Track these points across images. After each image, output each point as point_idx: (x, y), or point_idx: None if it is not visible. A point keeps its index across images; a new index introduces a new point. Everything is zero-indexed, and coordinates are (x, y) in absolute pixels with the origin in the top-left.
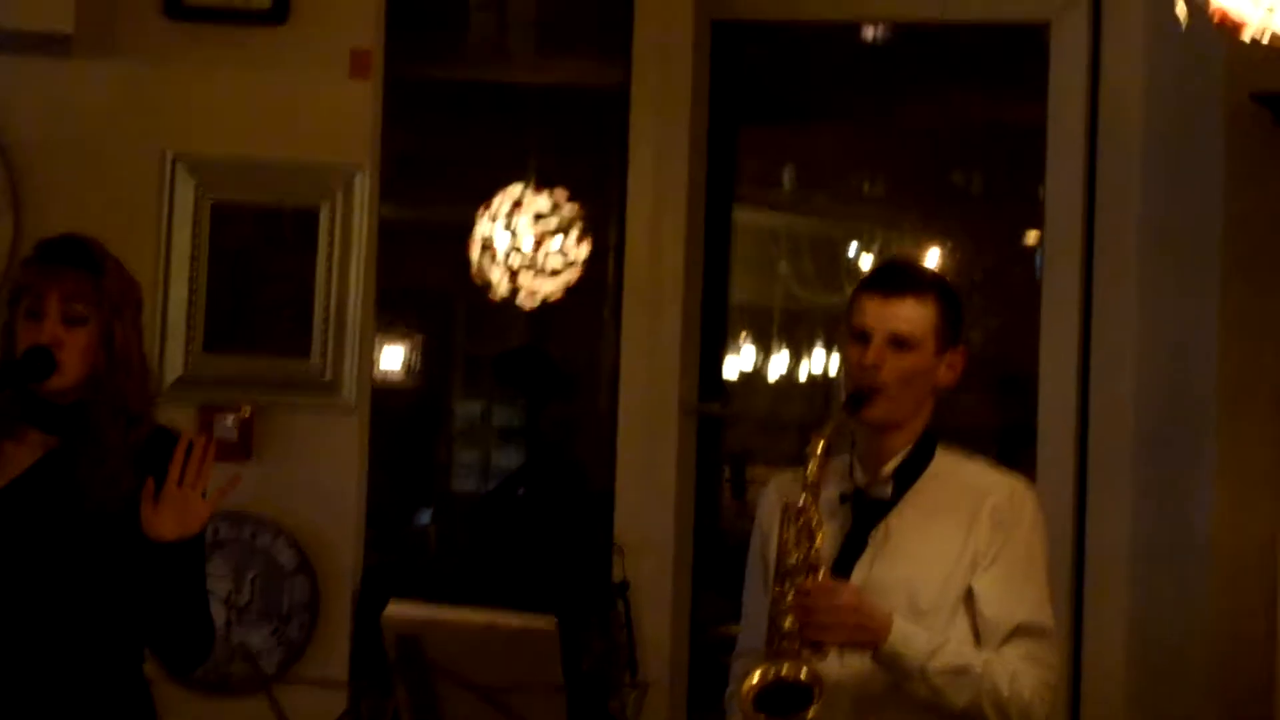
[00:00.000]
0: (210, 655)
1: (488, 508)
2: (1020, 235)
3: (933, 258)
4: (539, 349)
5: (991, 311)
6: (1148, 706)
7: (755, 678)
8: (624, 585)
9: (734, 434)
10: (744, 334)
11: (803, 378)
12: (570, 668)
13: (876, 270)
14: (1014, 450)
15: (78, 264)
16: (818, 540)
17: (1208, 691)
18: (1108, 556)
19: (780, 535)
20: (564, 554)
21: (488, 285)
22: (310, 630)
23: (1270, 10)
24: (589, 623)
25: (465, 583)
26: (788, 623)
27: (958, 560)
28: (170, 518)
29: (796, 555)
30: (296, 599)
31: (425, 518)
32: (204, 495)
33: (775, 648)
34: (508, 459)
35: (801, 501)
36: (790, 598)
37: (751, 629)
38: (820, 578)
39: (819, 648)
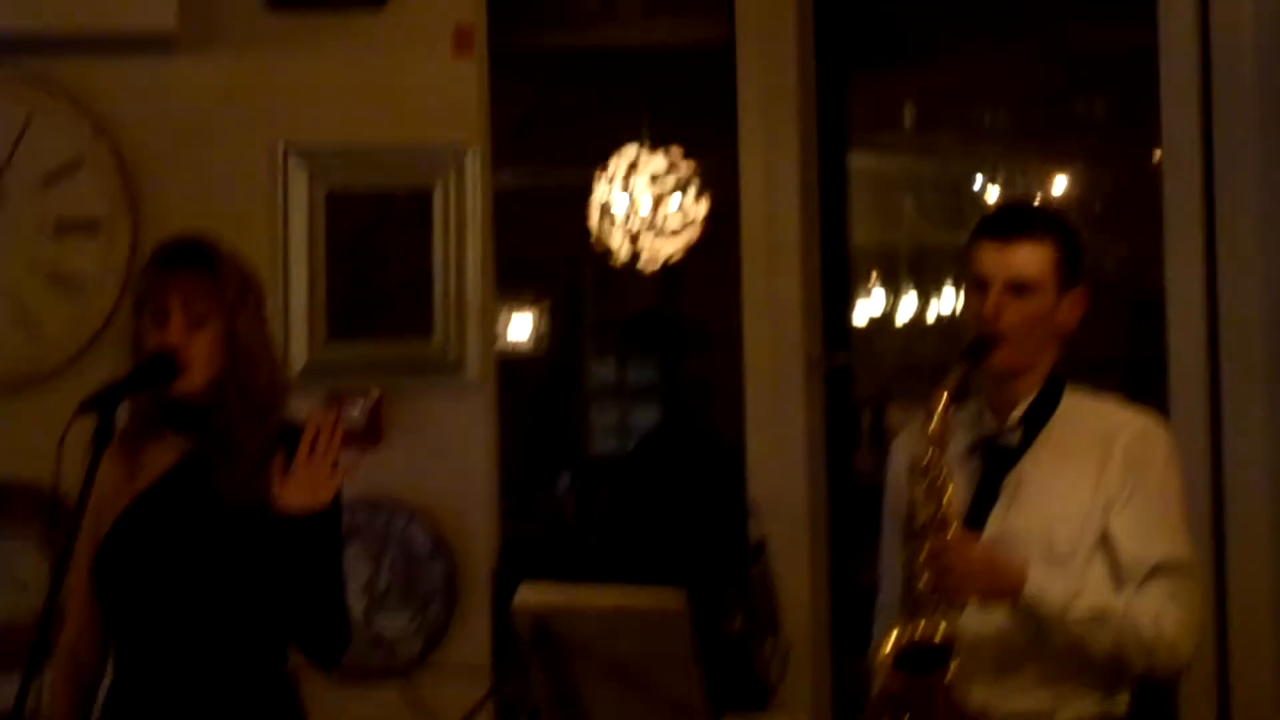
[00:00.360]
0: (350, 644)
1: (625, 471)
2: (1145, 158)
3: (1058, 186)
4: (658, 312)
5: (1120, 238)
6: None
7: (892, 639)
8: (760, 546)
9: (868, 379)
10: (873, 277)
11: (932, 318)
12: (710, 634)
13: (991, 215)
14: (1147, 381)
15: (194, 264)
16: (946, 496)
17: None
18: (1247, 489)
19: (909, 493)
20: (701, 516)
21: (609, 250)
22: (449, 614)
23: None
24: (728, 587)
25: (604, 551)
26: (923, 581)
27: (1092, 503)
28: (301, 489)
29: (926, 512)
30: (434, 583)
31: (564, 483)
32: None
33: (911, 606)
34: (642, 420)
35: (928, 458)
36: (923, 556)
37: (890, 584)
38: (951, 533)
39: (956, 604)
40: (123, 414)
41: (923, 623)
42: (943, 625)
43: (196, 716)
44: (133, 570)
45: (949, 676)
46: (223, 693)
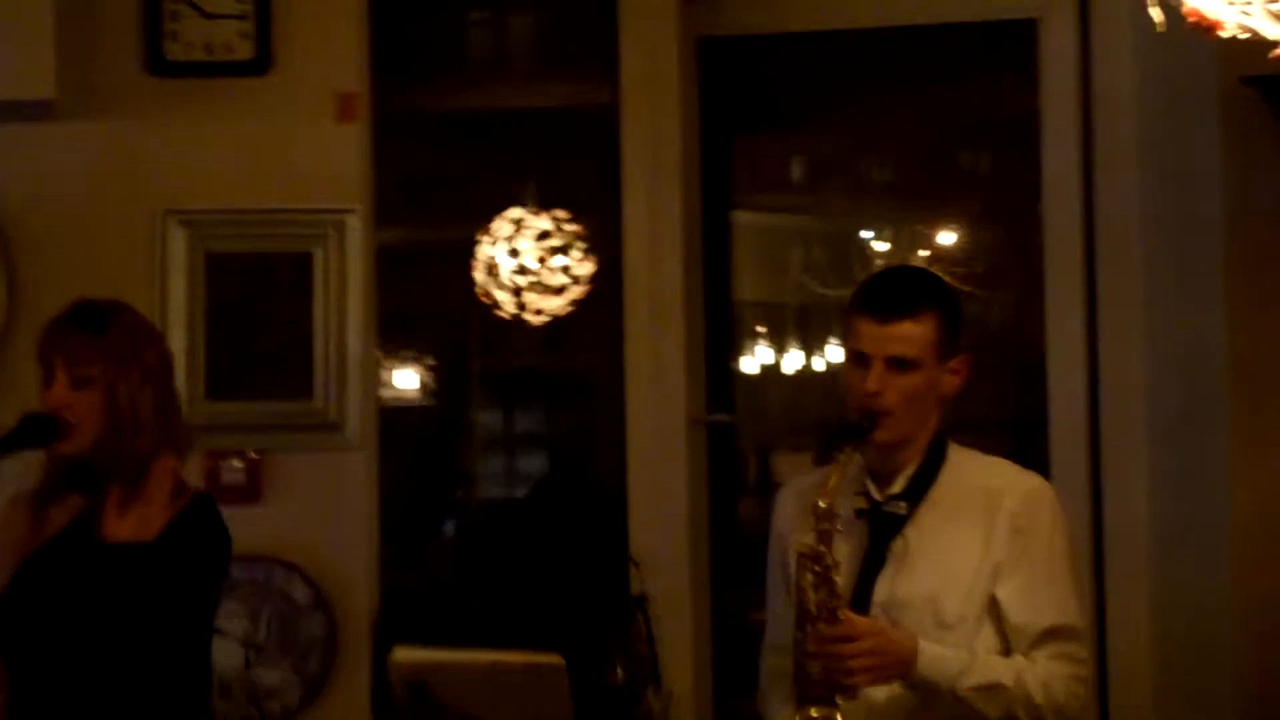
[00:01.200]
0: (204, 693)
1: (512, 517)
2: (1030, 215)
3: (944, 240)
4: (537, 369)
5: (1004, 295)
6: (1175, 690)
7: None
8: (642, 599)
9: (753, 430)
10: (758, 331)
11: (818, 369)
12: (592, 686)
13: (868, 287)
14: (1029, 440)
15: (82, 326)
16: (836, 584)
17: (1235, 672)
18: (1127, 542)
19: (798, 581)
20: (583, 568)
21: (495, 304)
22: (330, 665)
23: (1244, 11)
24: (609, 639)
25: (485, 604)
26: (814, 669)
27: (978, 570)
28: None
29: (815, 601)
30: (314, 634)
31: (446, 531)
32: None
33: (806, 693)
34: (528, 468)
35: (815, 549)
36: (812, 645)
37: (776, 625)
38: (840, 621)
39: (849, 691)
40: (33, 476)
41: (817, 710)
42: (837, 715)
43: None
44: (24, 621)
45: None
46: None
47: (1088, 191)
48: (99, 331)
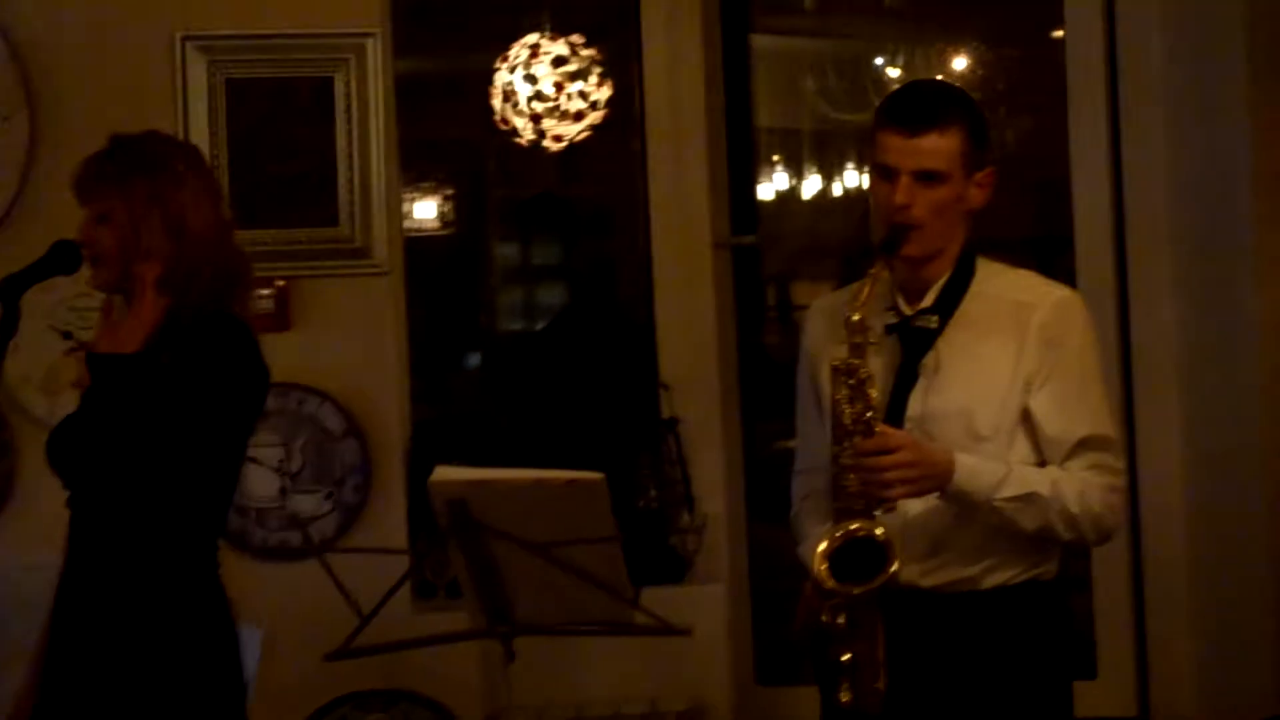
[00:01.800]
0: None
1: (534, 350)
2: (1047, 34)
3: (960, 63)
4: (556, 194)
5: (1023, 115)
6: (1206, 499)
7: (825, 543)
8: (673, 421)
9: (773, 257)
10: (776, 157)
11: (838, 194)
12: (625, 510)
13: (894, 100)
14: (1051, 259)
15: (96, 163)
16: (871, 397)
17: (1266, 478)
18: (1155, 356)
19: (832, 395)
20: (612, 394)
21: (513, 131)
22: (365, 493)
23: None
24: (641, 463)
25: (515, 432)
26: (851, 483)
27: (1011, 382)
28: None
29: (851, 415)
30: (348, 462)
31: (472, 362)
32: None
33: (844, 508)
34: (548, 300)
35: (849, 362)
36: (850, 458)
37: (807, 447)
38: (876, 436)
39: (886, 504)
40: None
41: (856, 524)
42: (877, 529)
43: (112, 593)
44: (65, 446)
45: (885, 578)
46: (139, 572)
47: (1109, 4)
48: (111, 167)
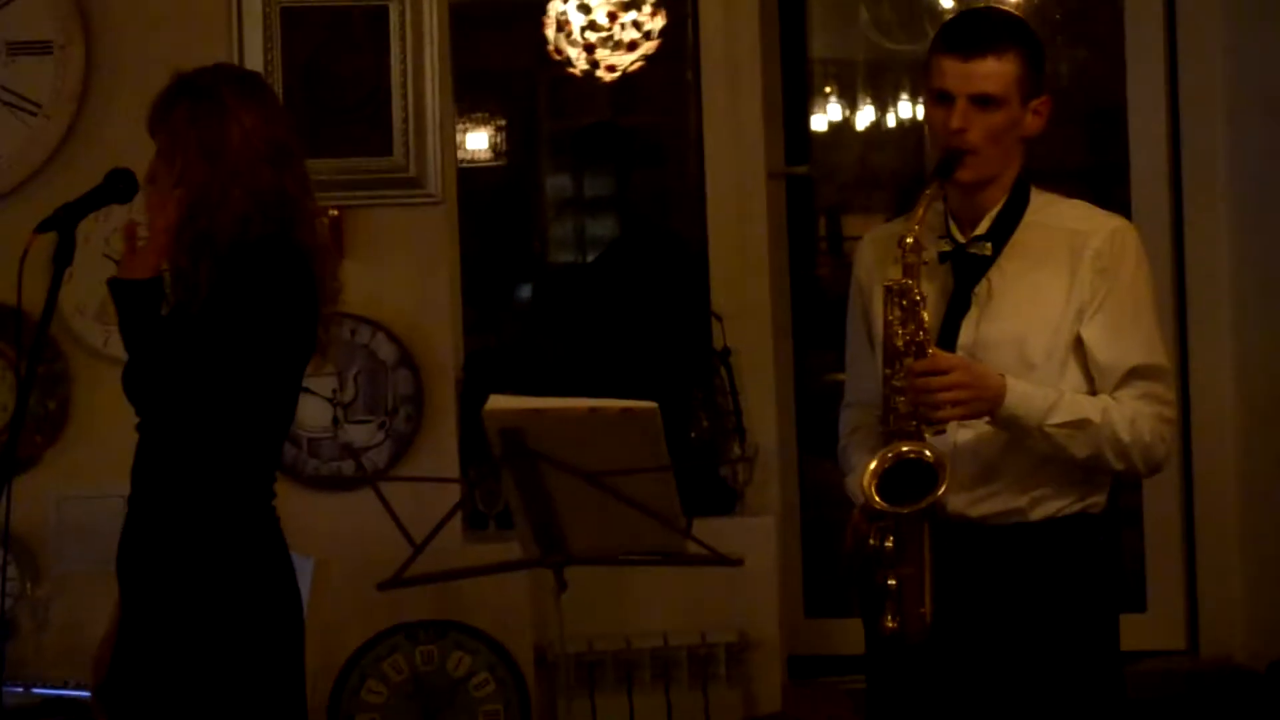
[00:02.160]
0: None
1: (587, 281)
2: None
3: None
4: (611, 124)
5: (1078, 45)
6: (1257, 439)
7: (874, 463)
8: (726, 352)
9: (826, 189)
10: (829, 89)
11: (891, 125)
12: (676, 441)
13: (951, 26)
14: (1108, 188)
15: (164, 105)
16: (923, 318)
17: None
18: (1210, 292)
19: (885, 316)
20: (664, 324)
21: (566, 61)
22: (417, 422)
23: None
24: (693, 393)
25: (567, 362)
26: (902, 405)
27: (1064, 310)
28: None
29: (903, 336)
30: (401, 392)
31: (524, 293)
32: None
33: (892, 428)
34: (601, 231)
35: (902, 282)
36: (901, 380)
37: (857, 380)
38: (928, 357)
39: (937, 426)
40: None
41: (905, 445)
42: (927, 451)
43: (170, 523)
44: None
45: (934, 498)
46: (195, 502)
47: None
48: (163, 99)
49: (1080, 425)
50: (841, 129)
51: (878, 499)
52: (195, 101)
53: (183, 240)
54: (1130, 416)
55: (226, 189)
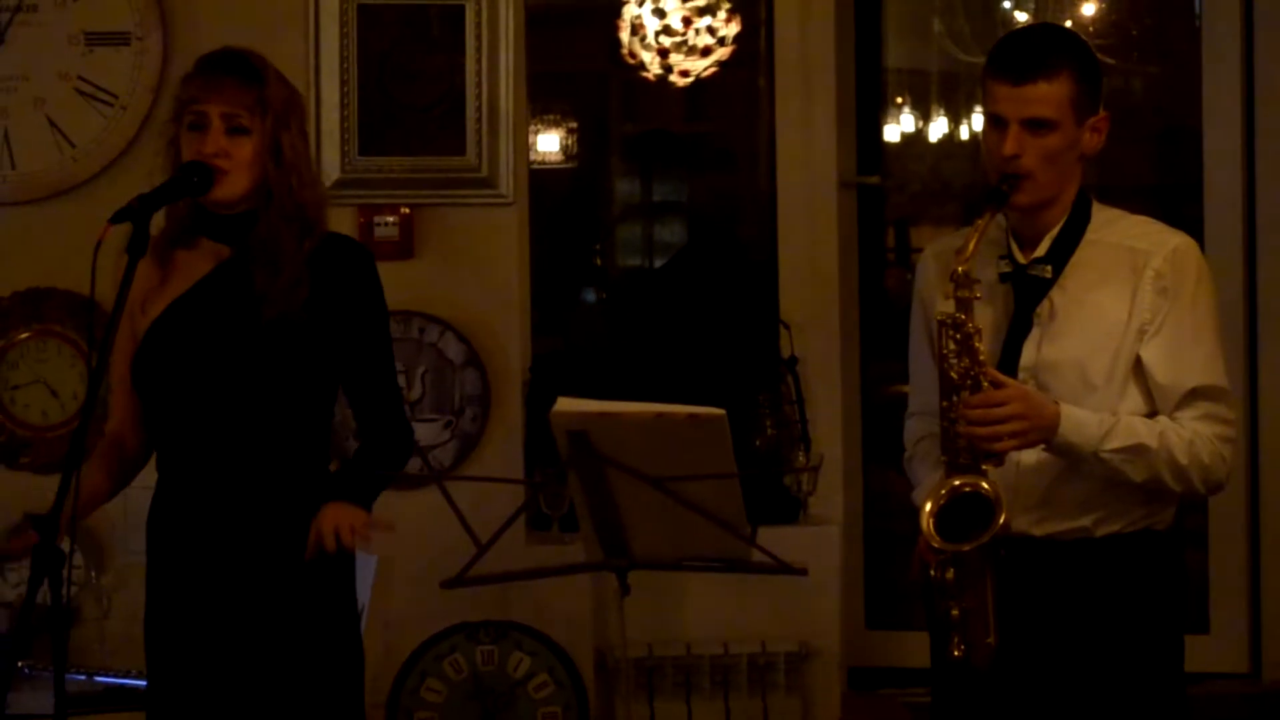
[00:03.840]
0: (410, 448)
1: (654, 286)
2: None
3: (1089, 8)
4: (669, 132)
5: (1154, 62)
6: None
7: (930, 502)
8: (793, 361)
9: (897, 199)
10: (902, 99)
11: (964, 137)
12: (741, 449)
13: (1002, 48)
14: (1178, 206)
15: (238, 74)
16: (978, 351)
17: None
18: None
19: (939, 349)
20: (731, 332)
21: (639, 65)
22: (484, 422)
23: None
24: (759, 401)
25: (634, 366)
26: (960, 437)
27: (1124, 331)
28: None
29: (958, 368)
30: (468, 392)
31: (591, 297)
32: None
33: (953, 462)
34: (669, 236)
35: (955, 316)
36: (957, 413)
37: (920, 391)
38: (984, 389)
39: (995, 458)
40: (158, 219)
41: (961, 479)
42: (984, 484)
43: (235, 520)
44: (171, 374)
45: (993, 534)
46: (261, 497)
47: None
48: (256, 80)
49: (1136, 450)
50: (914, 140)
51: (937, 538)
52: (287, 86)
53: (284, 208)
54: (1189, 439)
55: (316, 171)
